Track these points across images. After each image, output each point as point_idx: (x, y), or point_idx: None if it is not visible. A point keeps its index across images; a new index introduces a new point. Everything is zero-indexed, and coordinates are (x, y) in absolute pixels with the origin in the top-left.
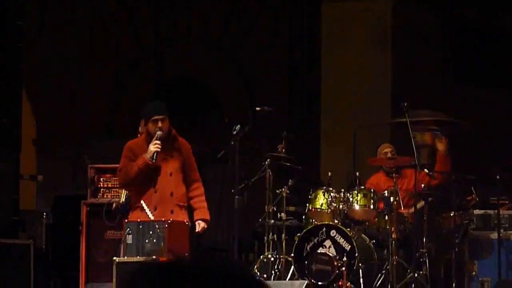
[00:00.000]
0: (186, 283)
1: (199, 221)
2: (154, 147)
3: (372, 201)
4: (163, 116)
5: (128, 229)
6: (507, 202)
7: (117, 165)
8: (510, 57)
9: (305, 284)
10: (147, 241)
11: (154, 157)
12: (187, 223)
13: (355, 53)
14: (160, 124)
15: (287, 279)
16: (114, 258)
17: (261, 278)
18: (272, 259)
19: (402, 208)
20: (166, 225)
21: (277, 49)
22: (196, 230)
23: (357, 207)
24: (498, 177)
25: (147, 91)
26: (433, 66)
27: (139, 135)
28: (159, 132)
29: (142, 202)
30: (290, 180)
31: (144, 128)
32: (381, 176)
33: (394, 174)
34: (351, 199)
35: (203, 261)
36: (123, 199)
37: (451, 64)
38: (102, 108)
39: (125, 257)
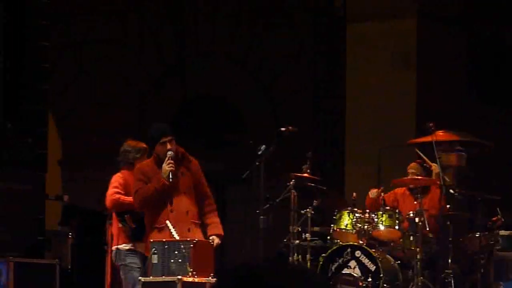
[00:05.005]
0: None
1: (213, 237)
2: (168, 166)
3: (397, 221)
4: (170, 137)
5: (154, 249)
6: None
7: None
8: None
9: None
10: (172, 261)
11: (171, 177)
12: (211, 242)
13: (379, 73)
14: (168, 145)
15: None
16: (140, 278)
17: None
18: None
19: (427, 229)
20: (191, 245)
21: (302, 68)
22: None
23: (382, 227)
24: None
25: (171, 109)
26: (457, 85)
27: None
28: (170, 153)
29: (167, 222)
30: (314, 201)
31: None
32: (405, 190)
33: (418, 195)
34: (376, 219)
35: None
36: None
37: (476, 84)
38: (127, 127)
39: (151, 277)
